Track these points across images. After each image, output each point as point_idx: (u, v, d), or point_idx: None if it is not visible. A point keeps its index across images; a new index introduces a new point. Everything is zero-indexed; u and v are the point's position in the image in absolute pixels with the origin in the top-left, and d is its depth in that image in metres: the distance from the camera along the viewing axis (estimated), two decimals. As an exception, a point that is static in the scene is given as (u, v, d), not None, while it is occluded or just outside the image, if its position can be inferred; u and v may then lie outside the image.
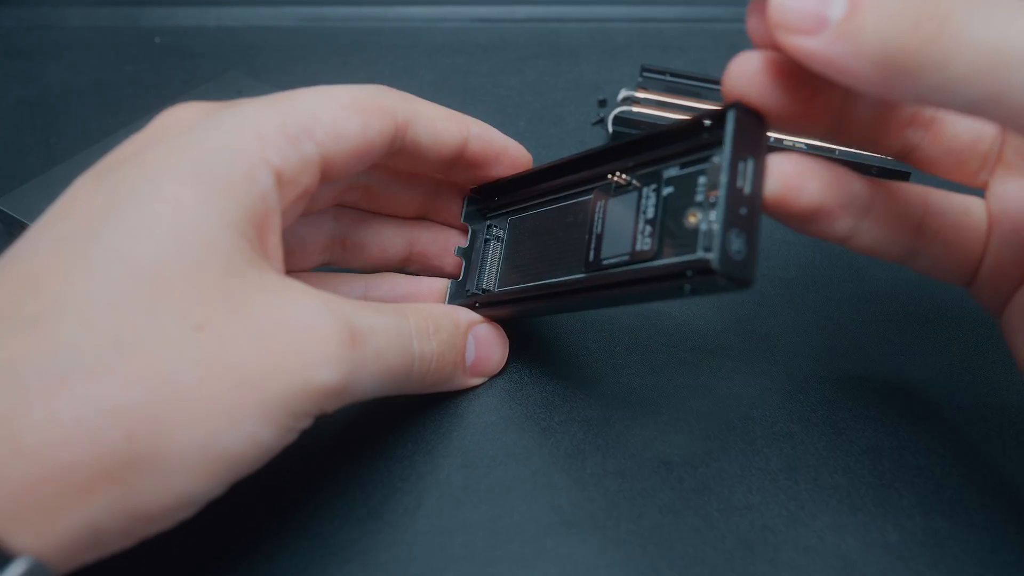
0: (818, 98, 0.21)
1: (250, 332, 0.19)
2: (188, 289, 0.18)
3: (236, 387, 0.18)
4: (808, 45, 0.18)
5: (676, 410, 0.27)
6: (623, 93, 0.39)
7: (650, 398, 0.27)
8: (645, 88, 0.39)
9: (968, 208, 0.23)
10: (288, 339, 0.19)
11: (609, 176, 0.24)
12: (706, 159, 0.21)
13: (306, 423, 0.20)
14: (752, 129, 0.21)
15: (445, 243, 0.29)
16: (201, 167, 0.20)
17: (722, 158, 0.20)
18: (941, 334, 0.30)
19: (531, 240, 0.28)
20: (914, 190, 0.23)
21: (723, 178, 0.20)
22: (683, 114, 0.38)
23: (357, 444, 0.26)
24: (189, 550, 0.23)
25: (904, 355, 0.29)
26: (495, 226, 0.29)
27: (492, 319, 0.27)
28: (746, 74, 0.20)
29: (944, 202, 0.23)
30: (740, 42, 0.46)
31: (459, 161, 0.26)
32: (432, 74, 0.45)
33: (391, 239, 0.29)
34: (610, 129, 0.38)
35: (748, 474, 0.25)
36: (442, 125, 0.25)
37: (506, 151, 0.27)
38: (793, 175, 0.20)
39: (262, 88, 0.41)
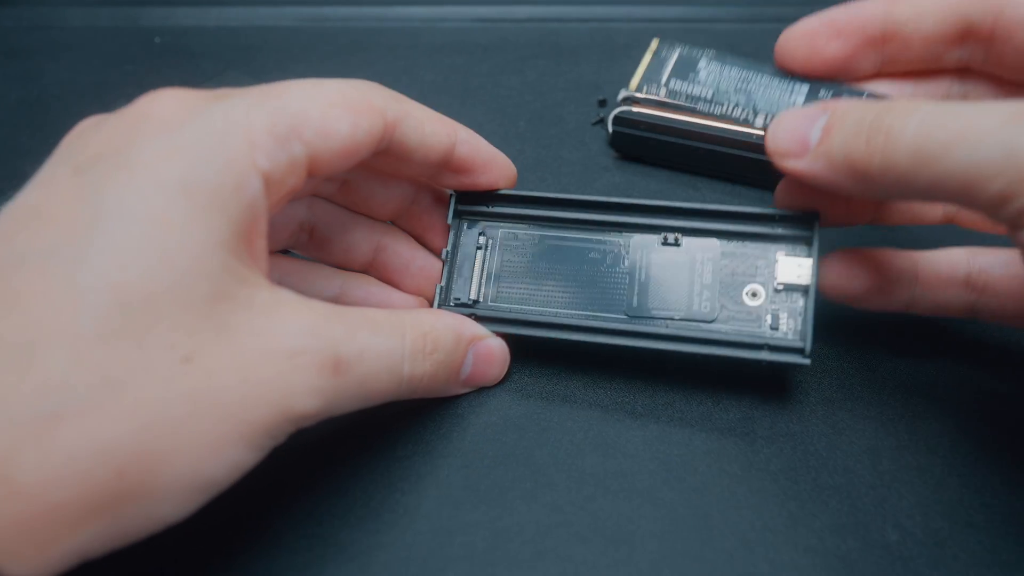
0: (854, 199, 0.25)
1: (236, 362, 0.19)
2: (176, 317, 0.18)
3: (221, 419, 0.18)
4: (797, 166, 0.23)
5: (676, 410, 0.27)
6: (623, 93, 0.39)
7: (650, 398, 0.27)
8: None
9: (1012, 259, 0.25)
10: (272, 369, 0.19)
11: (666, 236, 0.27)
12: (765, 241, 0.26)
13: (282, 440, 0.20)
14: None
15: (410, 260, 0.29)
16: (191, 178, 0.19)
17: (812, 259, 0.25)
18: (941, 334, 0.30)
19: (536, 260, 0.28)
20: (956, 253, 0.26)
21: (812, 280, 0.24)
22: (683, 114, 0.38)
23: (357, 444, 0.26)
24: (188, 550, 0.23)
25: (904, 355, 0.29)
26: (483, 234, 0.29)
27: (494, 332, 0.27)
28: (797, 194, 0.25)
29: (987, 258, 0.26)
30: (740, 42, 0.46)
31: (444, 166, 0.26)
32: (432, 74, 0.45)
33: (358, 242, 0.28)
34: (610, 129, 0.38)
35: (748, 474, 0.25)
36: (431, 128, 0.25)
37: (494, 160, 0.27)
38: (843, 268, 0.25)
39: (262, 88, 0.41)
